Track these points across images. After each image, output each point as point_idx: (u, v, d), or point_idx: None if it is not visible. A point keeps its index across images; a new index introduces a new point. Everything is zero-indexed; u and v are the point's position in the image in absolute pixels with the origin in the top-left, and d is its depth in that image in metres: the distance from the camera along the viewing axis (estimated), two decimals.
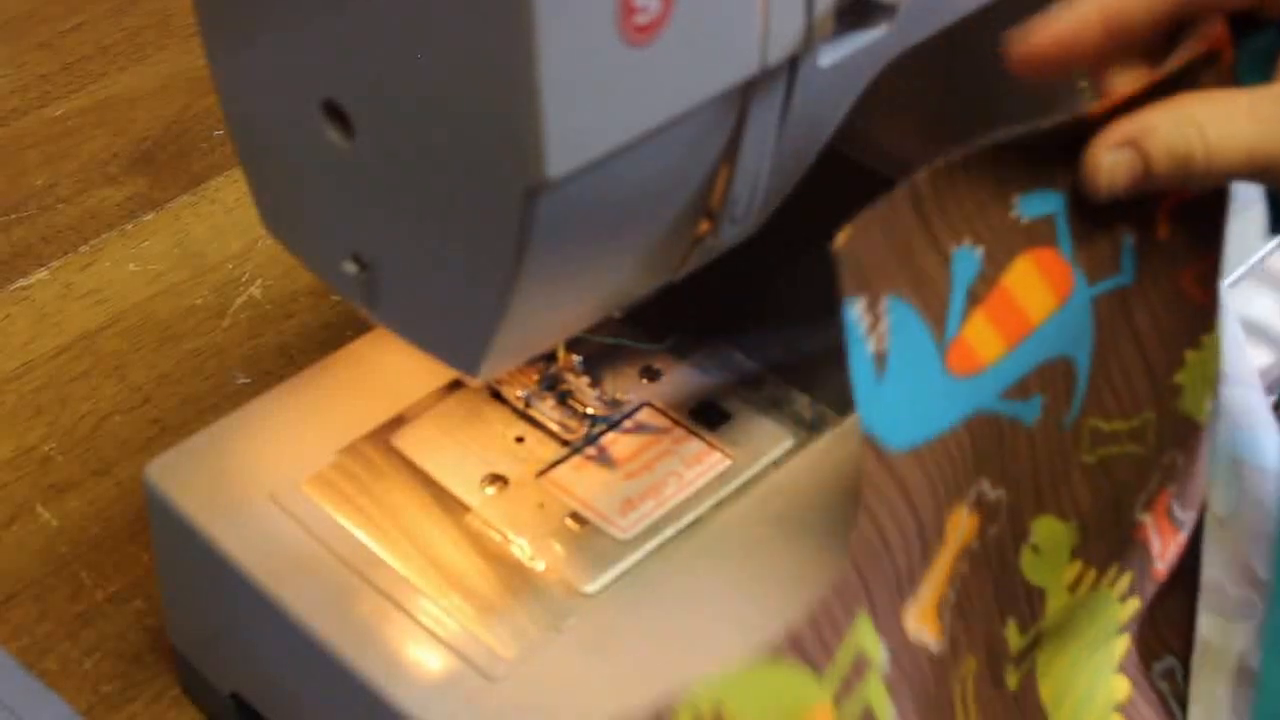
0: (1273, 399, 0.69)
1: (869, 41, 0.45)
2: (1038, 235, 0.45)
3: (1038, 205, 0.45)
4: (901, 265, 0.43)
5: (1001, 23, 0.57)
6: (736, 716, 0.39)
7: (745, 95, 0.44)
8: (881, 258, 0.43)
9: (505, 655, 0.49)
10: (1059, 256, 0.46)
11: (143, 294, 0.76)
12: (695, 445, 0.55)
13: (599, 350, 0.57)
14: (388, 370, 0.57)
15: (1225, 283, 0.60)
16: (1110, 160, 0.45)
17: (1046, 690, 0.51)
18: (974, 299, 0.44)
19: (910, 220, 0.43)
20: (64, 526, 0.66)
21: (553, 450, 0.55)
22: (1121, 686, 0.52)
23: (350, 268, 0.46)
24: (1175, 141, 0.45)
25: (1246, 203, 0.64)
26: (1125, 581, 0.51)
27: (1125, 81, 0.47)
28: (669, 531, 0.52)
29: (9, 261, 0.78)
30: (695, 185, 0.46)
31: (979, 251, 0.44)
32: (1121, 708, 0.52)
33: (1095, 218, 0.46)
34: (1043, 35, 0.47)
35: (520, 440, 0.55)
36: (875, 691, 0.42)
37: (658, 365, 0.57)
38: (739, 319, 0.59)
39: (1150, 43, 0.47)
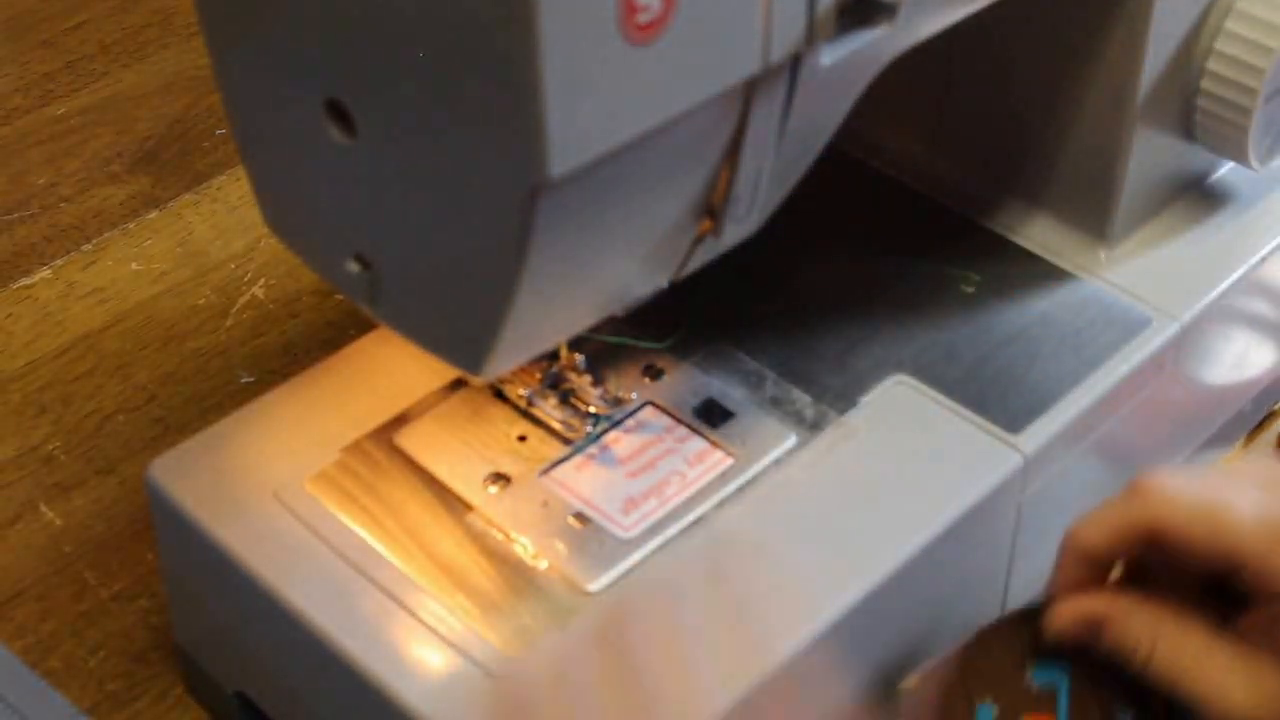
0: (1274, 404, 0.69)
1: (870, 41, 0.45)
2: (1042, 703, 0.51)
3: (1046, 675, 0.52)
4: (940, 711, 0.52)
5: (1001, 23, 0.57)
6: None
7: (747, 94, 0.44)
8: (930, 706, 0.52)
9: (508, 653, 0.49)
10: None
11: (146, 293, 0.76)
12: (697, 444, 0.55)
13: (601, 349, 0.57)
14: (390, 369, 0.57)
15: (1222, 287, 0.61)
16: (1062, 625, 0.51)
17: None
18: None
19: (954, 674, 0.52)
20: (68, 525, 0.66)
21: (555, 449, 0.55)
22: None
23: (353, 267, 0.46)
24: (1127, 638, 0.49)
25: (1249, 201, 0.64)
26: None
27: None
28: (671, 530, 0.52)
29: (12, 260, 0.78)
30: (697, 184, 0.46)
31: (995, 710, 0.51)
32: None
33: (1096, 690, 0.51)
34: (1068, 617, 0.51)
35: (523, 439, 0.55)
36: None
37: (660, 364, 0.57)
38: (741, 318, 0.59)
39: None
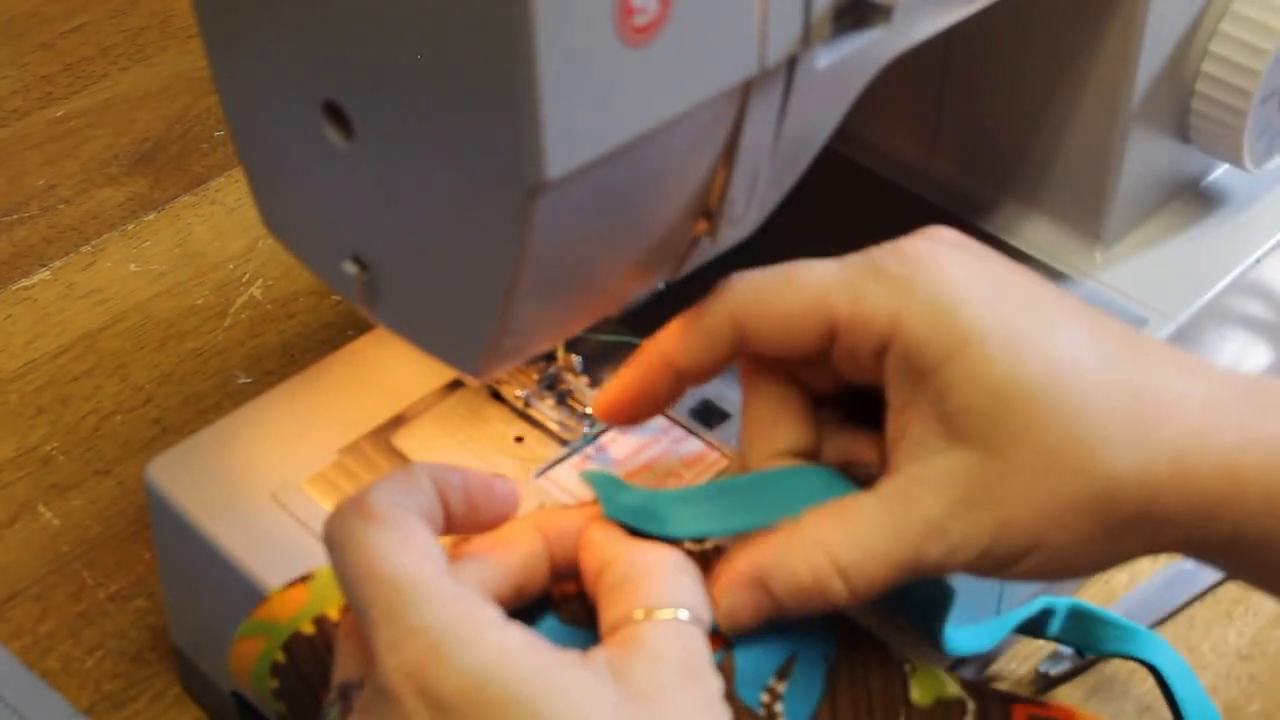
0: None
1: (866, 43, 0.46)
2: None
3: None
4: None
5: (997, 25, 0.57)
6: None
7: (743, 96, 0.44)
8: None
9: None
10: None
11: (144, 294, 0.76)
12: (694, 444, 0.55)
13: (598, 350, 0.57)
14: (388, 370, 0.57)
15: (1217, 289, 0.61)
16: (730, 602, 0.43)
17: None
18: None
19: None
20: (66, 526, 0.66)
21: (552, 450, 0.55)
22: None
23: (350, 268, 0.47)
24: (804, 578, 0.42)
25: (1244, 202, 0.65)
26: None
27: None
28: None
29: (11, 261, 0.78)
30: (693, 185, 0.46)
31: None
32: None
33: None
34: (617, 392, 0.47)
35: (520, 440, 0.55)
36: None
37: None
38: None
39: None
